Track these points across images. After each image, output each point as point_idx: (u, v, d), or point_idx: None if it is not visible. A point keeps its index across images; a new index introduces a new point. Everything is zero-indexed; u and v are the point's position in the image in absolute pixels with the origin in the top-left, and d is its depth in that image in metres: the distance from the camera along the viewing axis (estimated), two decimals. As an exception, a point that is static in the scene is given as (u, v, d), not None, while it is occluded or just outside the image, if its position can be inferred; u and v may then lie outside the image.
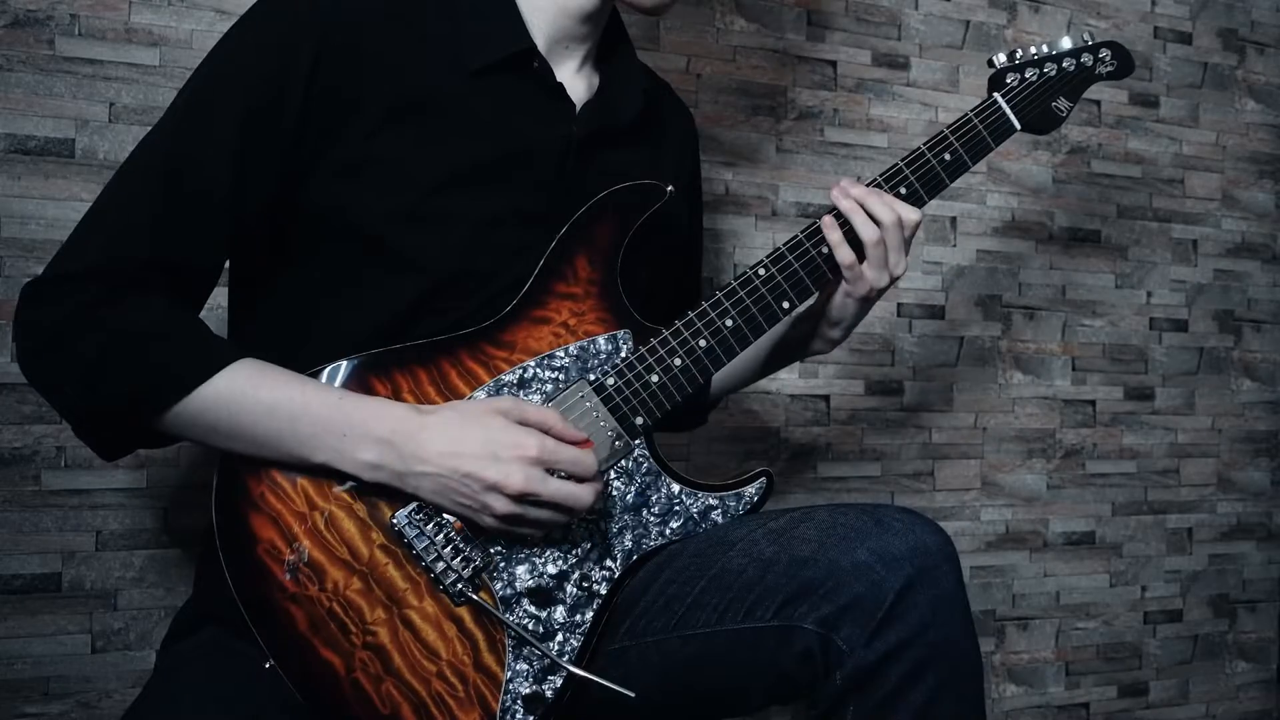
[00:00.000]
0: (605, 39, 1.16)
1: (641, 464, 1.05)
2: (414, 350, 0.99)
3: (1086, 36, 1.27)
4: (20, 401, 1.38)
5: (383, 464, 0.92)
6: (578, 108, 1.10)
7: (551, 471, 0.93)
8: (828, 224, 1.11)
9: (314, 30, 0.97)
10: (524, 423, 0.95)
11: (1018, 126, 1.22)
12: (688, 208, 1.33)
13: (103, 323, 0.91)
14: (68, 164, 1.40)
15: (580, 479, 0.95)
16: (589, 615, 1.00)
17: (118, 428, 0.95)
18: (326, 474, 0.94)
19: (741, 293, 1.09)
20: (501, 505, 0.92)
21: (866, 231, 1.10)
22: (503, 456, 0.91)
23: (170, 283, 0.96)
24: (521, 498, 0.92)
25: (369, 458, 0.92)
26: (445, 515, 0.96)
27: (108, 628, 1.42)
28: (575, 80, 1.12)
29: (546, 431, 0.95)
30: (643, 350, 1.05)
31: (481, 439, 0.92)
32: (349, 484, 0.95)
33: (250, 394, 0.92)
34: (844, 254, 1.10)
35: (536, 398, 1.01)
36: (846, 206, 1.10)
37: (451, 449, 0.92)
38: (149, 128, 1.40)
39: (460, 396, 0.99)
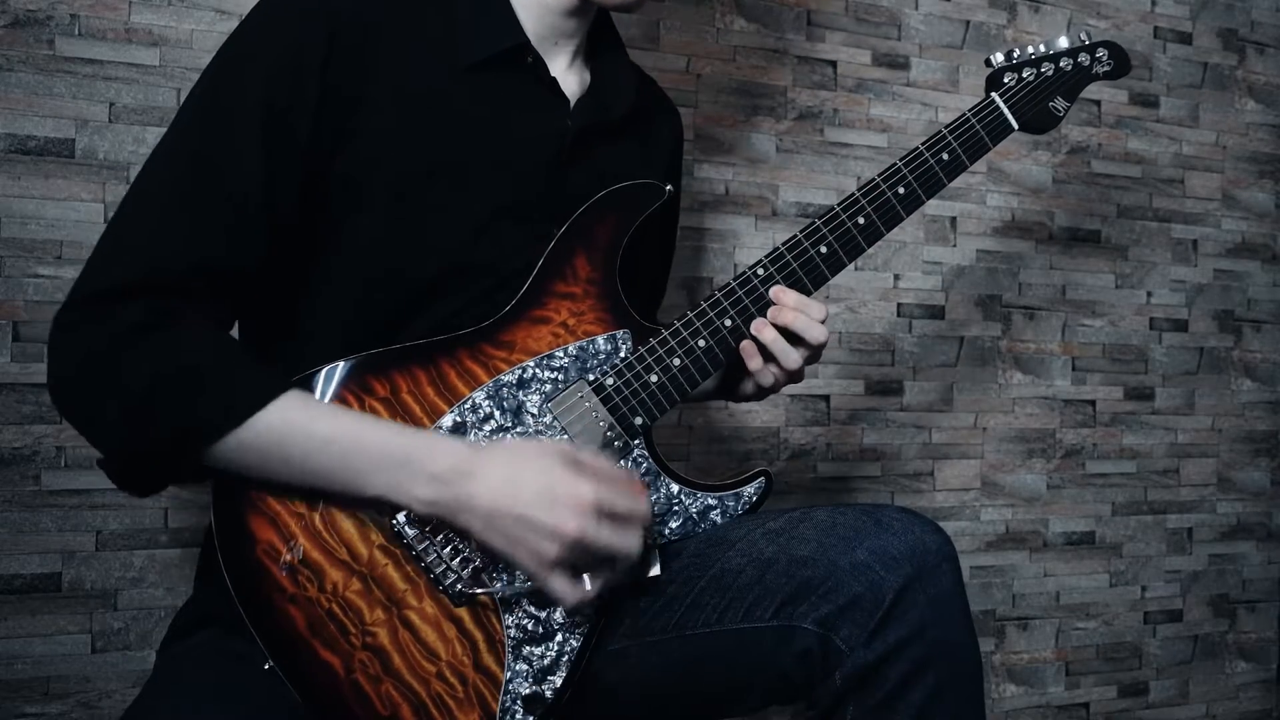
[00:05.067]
0: (594, 36, 1.17)
1: (641, 464, 1.05)
2: (413, 350, 0.99)
3: (1083, 36, 1.27)
4: (20, 401, 1.38)
5: (439, 500, 0.91)
6: (572, 103, 1.11)
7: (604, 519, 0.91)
8: (749, 350, 1.09)
9: (324, 27, 0.97)
10: (578, 472, 0.92)
11: (1015, 126, 1.22)
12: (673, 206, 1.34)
13: (152, 349, 0.88)
14: (68, 164, 1.40)
15: (630, 523, 0.93)
16: (588, 615, 1.00)
17: (161, 461, 0.91)
18: (376, 506, 0.94)
19: (740, 292, 1.09)
20: (554, 551, 0.90)
21: (790, 360, 1.09)
22: (560, 502, 0.90)
23: (213, 295, 0.94)
24: (575, 545, 0.90)
25: (426, 494, 0.91)
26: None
27: (108, 628, 1.42)
28: (567, 76, 1.13)
29: (601, 477, 0.93)
30: (642, 350, 1.05)
31: (539, 484, 0.90)
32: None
33: (305, 425, 0.90)
34: (755, 363, 1.10)
35: (536, 398, 1.01)
36: (770, 338, 1.09)
37: (509, 491, 0.90)
38: (149, 128, 1.43)
39: (460, 397, 0.99)
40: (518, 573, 0.97)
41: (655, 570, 1.01)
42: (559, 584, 0.92)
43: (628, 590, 1.02)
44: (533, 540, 0.90)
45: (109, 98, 1.42)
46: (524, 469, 0.91)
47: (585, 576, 0.93)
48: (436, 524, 0.95)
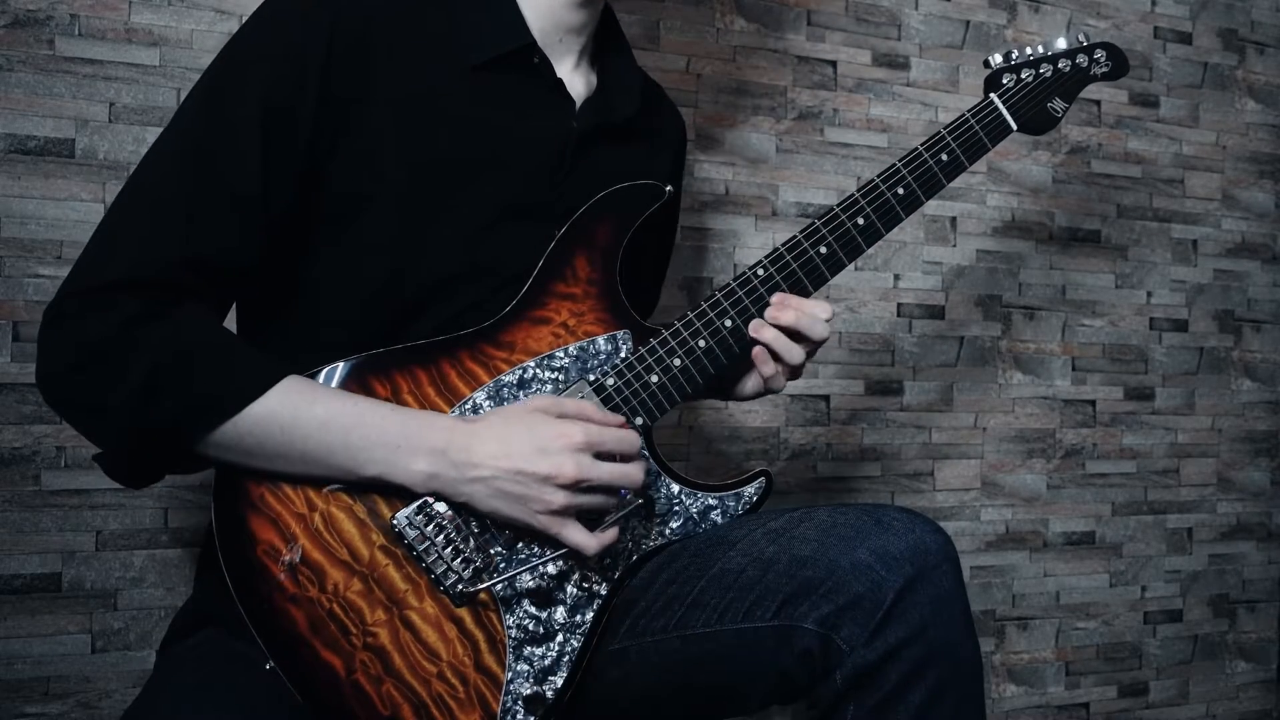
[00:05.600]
0: (601, 37, 1.17)
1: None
2: (413, 351, 1.00)
3: (1081, 37, 1.28)
4: (20, 401, 1.38)
5: (438, 473, 0.93)
6: (577, 104, 1.11)
7: (600, 456, 0.95)
8: (760, 356, 1.10)
9: (325, 28, 0.97)
10: (563, 415, 0.96)
11: (1014, 127, 1.22)
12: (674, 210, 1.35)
13: (153, 336, 0.88)
14: (68, 164, 1.40)
15: (626, 458, 0.96)
16: (589, 616, 1.01)
17: (160, 451, 0.92)
18: (378, 495, 0.95)
19: (740, 293, 1.09)
20: (558, 498, 0.93)
21: (795, 356, 1.09)
22: (551, 449, 0.92)
23: (209, 291, 0.94)
24: (576, 485, 0.93)
25: (424, 468, 0.92)
26: (446, 517, 0.96)
27: (108, 628, 1.42)
28: (573, 77, 1.13)
29: (586, 420, 0.96)
30: (642, 350, 1.05)
31: (528, 436, 0.93)
32: (336, 486, 0.95)
33: (304, 408, 0.91)
34: (769, 368, 1.11)
35: (536, 398, 1.01)
36: (771, 336, 1.09)
37: (501, 450, 0.92)
38: (149, 128, 1.43)
39: (460, 397, 0.99)
40: (520, 556, 0.97)
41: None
42: (575, 535, 0.95)
43: (642, 552, 1.05)
44: (536, 492, 0.92)
45: (109, 98, 1.42)
46: (512, 428, 0.94)
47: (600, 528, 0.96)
48: (437, 524, 0.95)
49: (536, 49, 1.07)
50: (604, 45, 1.17)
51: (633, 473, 0.96)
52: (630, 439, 0.97)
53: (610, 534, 0.96)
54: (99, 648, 1.42)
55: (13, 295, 1.38)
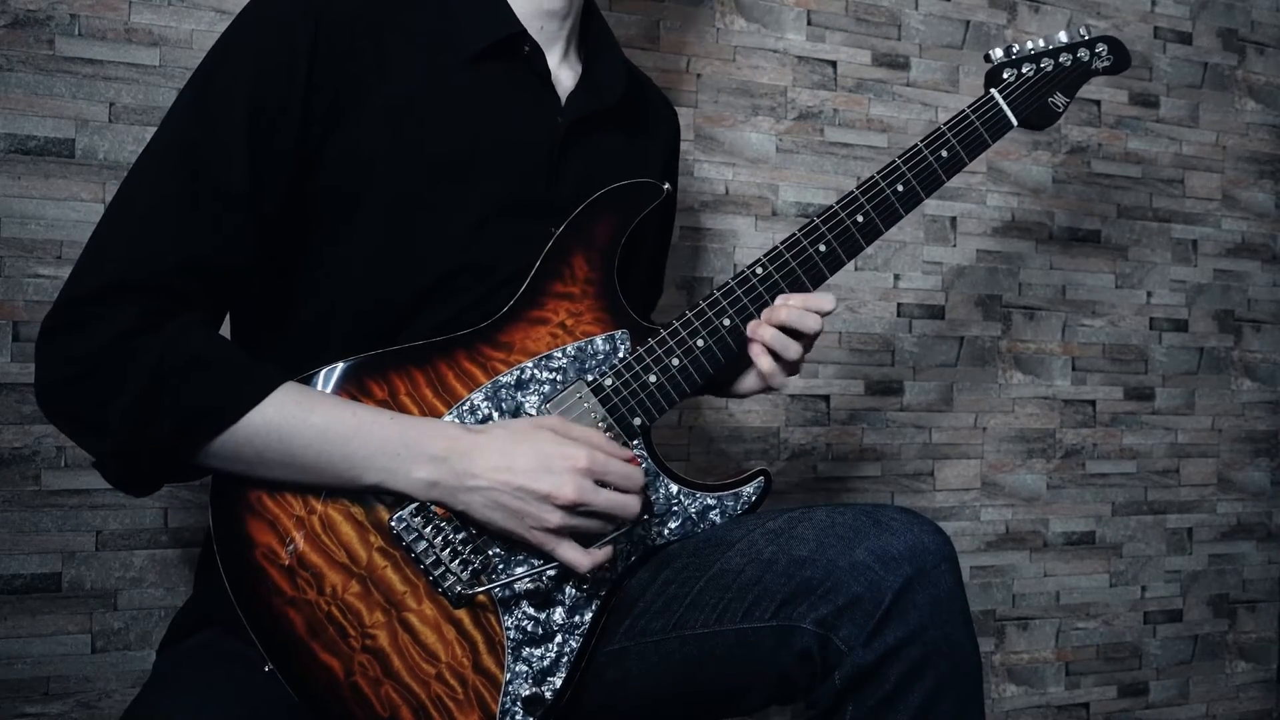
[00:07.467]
0: (584, 28, 1.17)
1: (639, 464, 1.05)
2: (410, 352, 0.99)
3: (1083, 31, 1.27)
4: (20, 401, 1.39)
5: (439, 481, 0.93)
6: (564, 97, 1.11)
7: (600, 483, 0.94)
8: (757, 351, 1.09)
9: (312, 26, 0.97)
10: (570, 438, 0.95)
11: (1014, 122, 1.22)
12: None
13: (150, 348, 0.88)
14: (68, 164, 1.40)
15: (627, 492, 0.96)
16: (588, 616, 1.01)
17: (160, 461, 0.92)
18: (375, 498, 0.95)
19: (739, 292, 1.09)
20: (554, 517, 0.93)
21: (791, 352, 1.09)
22: (554, 468, 0.92)
23: (203, 294, 0.94)
24: (573, 508, 0.92)
25: (425, 475, 0.92)
26: (444, 519, 0.96)
27: (108, 628, 1.42)
28: (561, 69, 1.13)
29: (594, 447, 0.95)
30: (640, 350, 1.05)
31: (533, 453, 0.93)
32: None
33: (302, 417, 0.91)
34: (775, 377, 1.11)
35: (534, 399, 1.01)
36: (769, 335, 1.08)
37: (504, 463, 0.92)
38: (149, 127, 1.43)
39: (458, 398, 0.99)
40: (517, 569, 0.97)
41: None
42: (569, 552, 0.94)
43: (640, 552, 1.05)
44: (534, 510, 0.92)
45: (109, 98, 1.42)
46: (518, 443, 0.93)
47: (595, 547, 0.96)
48: (435, 526, 0.95)
49: (527, 37, 1.08)
50: (588, 36, 1.18)
51: (630, 504, 0.96)
52: (634, 475, 0.97)
53: (604, 553, 0.96)
54: (99, 648, 1.42)
55: (13, 295, 1.38)
